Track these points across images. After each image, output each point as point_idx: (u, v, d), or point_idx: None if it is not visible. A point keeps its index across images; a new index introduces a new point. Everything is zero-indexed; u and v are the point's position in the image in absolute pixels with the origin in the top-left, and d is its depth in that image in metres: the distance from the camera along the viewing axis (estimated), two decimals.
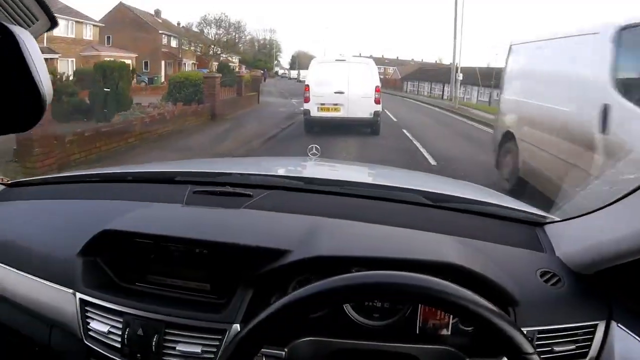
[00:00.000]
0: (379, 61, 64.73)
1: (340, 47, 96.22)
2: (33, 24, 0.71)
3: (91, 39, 31.53)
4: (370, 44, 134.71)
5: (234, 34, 41.28)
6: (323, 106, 10.76)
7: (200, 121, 12.16)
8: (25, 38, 0.61)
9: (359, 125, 10.69)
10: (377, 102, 10.66)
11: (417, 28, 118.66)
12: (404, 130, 11.99)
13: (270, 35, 68.87)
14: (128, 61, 34.45)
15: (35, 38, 0.64)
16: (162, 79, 31.79)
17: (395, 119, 15.12)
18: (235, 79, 18.51)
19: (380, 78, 11.44)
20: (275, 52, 69.76)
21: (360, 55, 33.20)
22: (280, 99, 21.76)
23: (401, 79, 48.73)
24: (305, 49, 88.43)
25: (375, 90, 10.60)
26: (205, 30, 40.34)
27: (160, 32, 37.64)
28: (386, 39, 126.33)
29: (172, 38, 39.54)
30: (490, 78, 32.56)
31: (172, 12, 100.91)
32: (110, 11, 37.10)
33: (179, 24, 41.13)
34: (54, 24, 0.73)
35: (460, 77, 22.63)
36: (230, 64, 48.62)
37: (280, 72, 63.68)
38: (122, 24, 35.61)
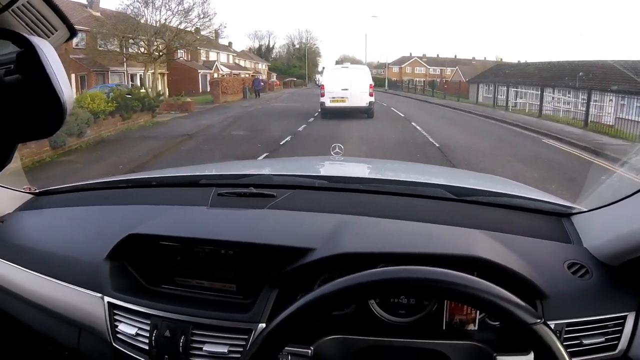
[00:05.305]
0: (434, 61, 56.24)
1: (387, 48, 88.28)
2: (52, 34, 0.74)
3: None
4: (421, 42, 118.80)
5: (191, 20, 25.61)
6: (334, 99, 16.08)
7: None
8: (45, 48, 0.64)
9: (357, 112, 15.94)
10: (370, 95, 16.27)
11: (470, 25, 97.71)
12: None
13: (307, 36, 62.01)
14: None
15: (55, 48, 0.68)
16: None
17: None
18: None
19: (435, 81, 26.89)
20: (308, 55, 60.78)
21: (411, 55, 45.74)
22: None
23: (468, 81, 36.23)
24: (350, 53, 74.63)
25: (370, 87, 16.27)
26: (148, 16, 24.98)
27: None
28: (440, 38, 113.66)
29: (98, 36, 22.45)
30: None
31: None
32: None
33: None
34: (73, 33, 0.77)
35: None
36: (240, 72, 32.19)
37: (317, 77, 56.42)
38: None
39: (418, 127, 13.88)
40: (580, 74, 21.21)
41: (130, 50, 24.05)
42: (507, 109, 22.47)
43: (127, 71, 27.24)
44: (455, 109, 22.80)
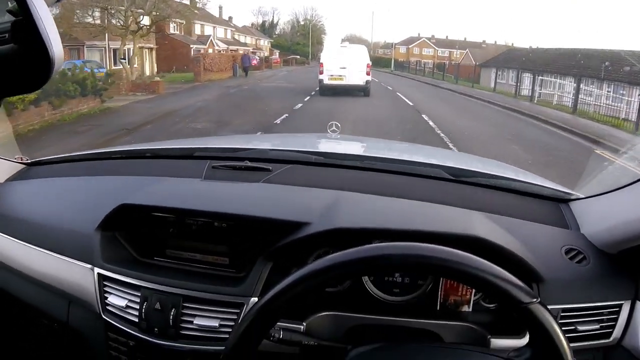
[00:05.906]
0: (443, 43, 56.95)
1: (395, 28, 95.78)
2: None
3: None
4: (430, 23, 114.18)
5: None
6: (332, 76, 16.65)
7: None
8: (37, 2, 0.64)
9: (354, 90, 16.69)
10: (367, 74, 16.91)
11: (480, 6, 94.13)
12: None
13: (312, 13, 60.61)
14: None
15: (48, 5, 0.68)
16: None
17: None
18: None
19: (444, 64, 26.39)
20: (312, 32, 57.68)
21: (419, 36, 44.42)
22: None
23: (480, 65, 34.30)
24: (357, 32, 72.78)
25: (367, 67, 16.89)
26: None
27: None
28: (449, 19, 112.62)
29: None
30: None
31: None
32: None
33: None
34: None
35: None
36: (238, 47, 29.93)
37: (320, 56, 50.76)
38: None
39: (431, 123, 10.93)
40: (606, 63, 18.97)
41: (112, 22, 21.33)
42: (532, 100, 19.49)
43: (108, 45, 24.47)
44: (471, 96, 19.92)
